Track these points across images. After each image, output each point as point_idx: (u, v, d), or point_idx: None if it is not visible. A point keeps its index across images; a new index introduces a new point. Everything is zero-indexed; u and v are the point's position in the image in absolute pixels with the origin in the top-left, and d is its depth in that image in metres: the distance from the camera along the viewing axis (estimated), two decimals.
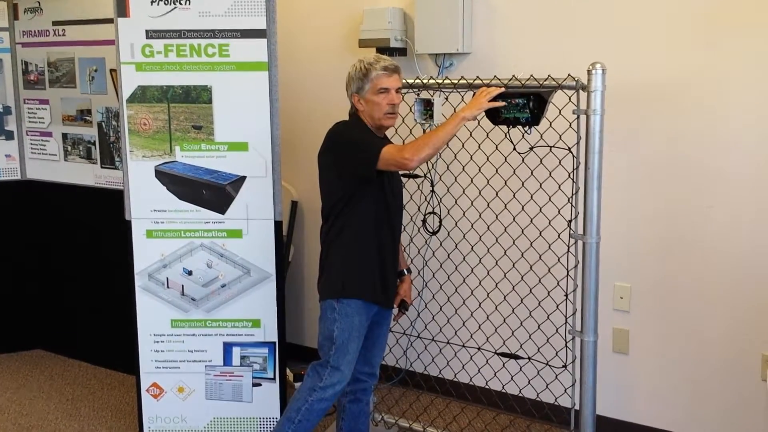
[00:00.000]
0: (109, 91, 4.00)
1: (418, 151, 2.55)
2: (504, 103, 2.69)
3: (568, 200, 2.85)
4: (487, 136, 3.11)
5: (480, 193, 3.29)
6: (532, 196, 3.16)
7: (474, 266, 3.46)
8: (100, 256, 4.17)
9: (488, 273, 3.36)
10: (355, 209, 2.73)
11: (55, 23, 4.15)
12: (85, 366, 4.34)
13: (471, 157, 3.29)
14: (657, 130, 3.14)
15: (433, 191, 3.34)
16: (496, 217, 3.24)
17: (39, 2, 4.18)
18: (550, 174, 3.02)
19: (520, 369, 3.30)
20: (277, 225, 3.22)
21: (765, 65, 2.89)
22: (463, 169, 3.34)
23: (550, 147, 2.89)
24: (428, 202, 3.42)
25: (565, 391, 3.01)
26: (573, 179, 2.81)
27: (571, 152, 2.80)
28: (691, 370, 3.18)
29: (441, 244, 3.52)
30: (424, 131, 3.22)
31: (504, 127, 2.87)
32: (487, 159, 3.19)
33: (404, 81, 3.08)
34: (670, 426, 3.25)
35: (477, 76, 2.91)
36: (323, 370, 2.77)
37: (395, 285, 2.94)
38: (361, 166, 2.64)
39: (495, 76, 2.84)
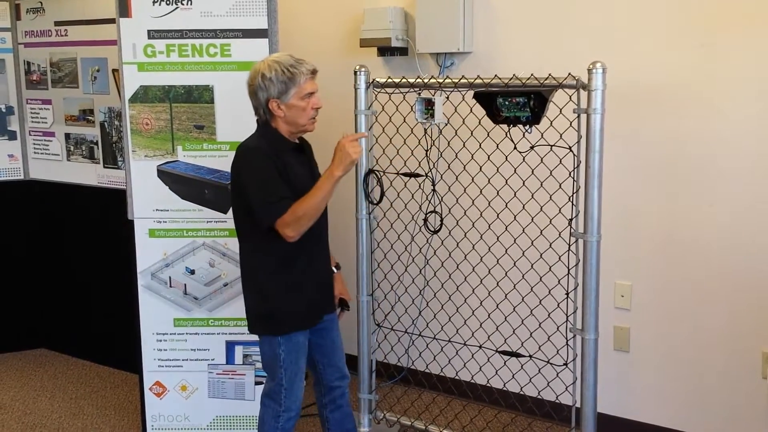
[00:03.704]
0: (111, 91, 4.02)
1: (299, 227, 2.49)
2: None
3: (569, 199, 2.86)
4: (488, 135, 3.11)
5: (481, 192, 3.30)
6: (533, 195, 3.17)
7: (475, 265, 3.47)
8: (103, 255, 4.18)
9: (489, 271, 3.37)
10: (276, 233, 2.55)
11: (57, 23, 4.16)
12: (89, 365, 4.36)
13: (472, 156, 3.29)
14: (658, 129, 3.15)
15: (434, 190, 3.35)
16: (497, 215, 3.25)
17: (41, 2, 4.19)
18: (551, 173, 3.02)
19: (522, 367, 3.31)
20: None
21: (764, 63, 2.90)
22: (464, 168, 3.35)
23: (551, 146, 2.89)
24: (429, 201, 3.43)
25: (566, 388, 3.01)
26: (573, 178, 2.81)
27: (572, 151, 2.80)
28: (691, 367, 3.19)
29: (442, 243, 3.53)
30: (425, 131, 3.24)
31: (505, 126, 2.88)
32: (488, 158, 3.20)
33: (405, 80, 3.10)
34: (671, 423, 3.26)
35: (478, 75, 2.92)
36: (278, 395, 2.69)
37: (332, 287, 2.85)
38: (259, 217, 2.52)
39: (496, 75, 2.85)
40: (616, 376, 3.34)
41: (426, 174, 3.34)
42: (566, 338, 3.00)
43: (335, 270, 2.92)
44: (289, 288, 2.64)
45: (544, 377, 3.26)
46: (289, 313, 2.65)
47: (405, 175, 3.32)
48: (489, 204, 3.27)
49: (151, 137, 3.21)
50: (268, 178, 2.51)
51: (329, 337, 2.85)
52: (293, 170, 2.59)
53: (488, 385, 3.52)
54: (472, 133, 3.23)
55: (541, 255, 3.23)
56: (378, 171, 3.18)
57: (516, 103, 2.73)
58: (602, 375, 2.88)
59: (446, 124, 3.20)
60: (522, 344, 3.34)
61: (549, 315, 3.19)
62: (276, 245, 2.58)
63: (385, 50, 3.70)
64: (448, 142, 3.37)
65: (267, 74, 2.54)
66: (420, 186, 3.46)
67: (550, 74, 2.72)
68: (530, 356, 3.21)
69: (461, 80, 2.96)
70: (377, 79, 3.19)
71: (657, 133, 3.15)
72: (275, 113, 2.58)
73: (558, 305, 3.09)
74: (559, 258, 3.01)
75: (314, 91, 2.60)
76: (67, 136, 4.25)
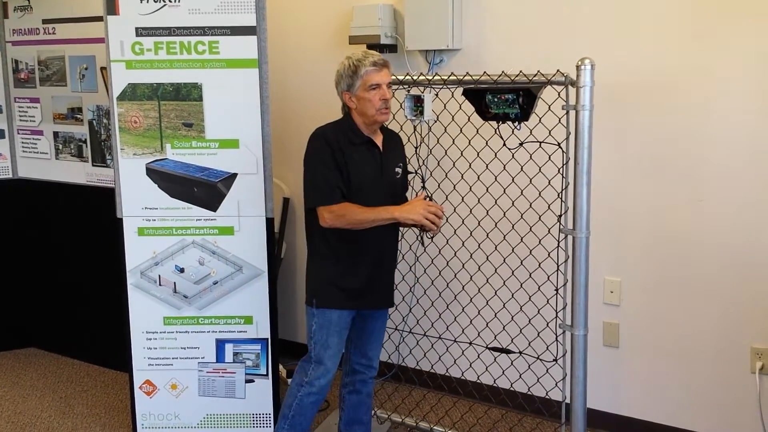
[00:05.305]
0: (99, 88, 4.00)
1: (336, 221, 2.65)
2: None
3: (558, 195, 2.87)
4: (477, 132, 3.12)
5: (470, 188, 3.30)
6: (522, 192, 3.18)
7: (465, 261, 3.47)
8: (92, 254, 4.17)
9: (479, 268, 3.37)
10: None
11: (45, 21, 4.14)
12: (78, 364, 4.35)
13: (461, 153, 3.30)
14: (646, 125, 3.16)
15: (423, 187, 3.35)
16: (487, 212, 3.26)
17: (29, 0, 4.17)
18: (540, 169, 3.03)
19: (512, 363, 3.32)
20: (269, 222, 3.22)
21: (752, 59, 2.91)
22: (454, 165, 3.35)
23: (540, 142, 2.90)
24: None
25: (556, 384, 3.03)
26: (563, 174, 2.82)
27: (561, 148, 2.81)
28: (681, 362, 3.20)
29: (432, 240, 3.53)
30: (414, 128, 3.24)
31: (494, 123, 2.88)
32: (477, 155, 3.20)
33: (395, 77, 3.09)
34: (661, 419, 3.28)
35: (467, 72, 2.92)
36: (307, 365, 2.85)
37: (388, 285, 2.93)
38: (306, 197, 2.74)
39: (485, 72, 2.85)
40: (605, 371, 3.35)
41: (415, 171, 3.34)
42: (556, 334, 3.01)
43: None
44: (335, 269, 2.79)
45: (534, 373, 3.27)
46: (327, 290, 2.79)
47: None
48: (479, 201, 3.27)
49: (140, 135, 3.20)
50: (323, 164, 2.68)
51: (371, 325, 2.97)
52: (354, 163, 2.71)
53: (479, 381, 3.52)
54: (461, 130, 3.23)
55: (530, 251, 3.24)
56: None
57: (505, 100, 2.74)
58: (592, 371, 2.90)
59: (435, 121, 3.20)
60: (512, 340, 3.35)
61: (539, 311, 3.20)
62: (337, 229, 2.69)
63: (375, 47, 3.69)
64: (438, 139, 3.38)
65: (339, 70, 2.74)
66: (410, 183, 3.46)
67: (539, 71, 2.73)
68: (520, 352, 3.22)
69: (450, 77, 2.96)
70: None
71: (647, 130, 3.16)
72: (349, 105, 2.75)
73: (547, 301, 3.10)
74: (548, 254, 3.02)
75: (380, 83, 2.70)
76: (56, 134, 4.23)
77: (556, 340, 2.99)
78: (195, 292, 3.27)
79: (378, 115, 2.72)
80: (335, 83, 2.78)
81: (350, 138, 2.73)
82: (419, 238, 3.10)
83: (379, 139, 2.82)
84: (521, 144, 2.93)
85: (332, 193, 2.67)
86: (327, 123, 2.80)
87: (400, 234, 3.48)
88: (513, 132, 2.85)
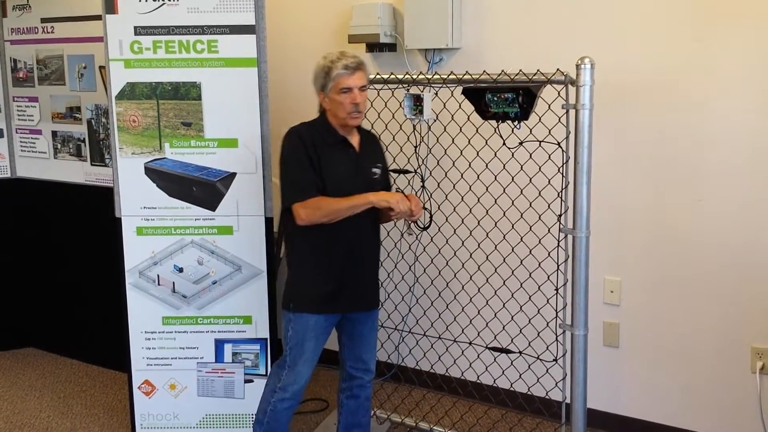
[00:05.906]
0: (98, 88, 3.99)
1: (313, 215, 2.61)
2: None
3: (558, 195, 2.86)
4: (477, 131, 3.11)
5: (470, 188, 3.30)
6: (522, 191, 3.17)
7: (465, 261, 3.46)
8: (90, 253, 4.16)
9: (479, 268, 3.36)
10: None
11: (43, 20, 4.13)
12: (77, 364, 4.34)
13: (461, 152, 3.29)
14: (646, 124, 3.15)
15: (423, 187, 3.34)
16: (487, 212, 3.25)
17: None
18: (540, 169, 3.02)
19: (512, 363, 3.31)
20: (268, 221, 3.22)
21: (752, 58, 2.90)
22: (453, 164, 3.35)
23: (540, 142, 2.89)
24: (419, 198, 3.42)
25: (556, 384, 3.02)
26: (562, 174, 2.81)
27: (561, 147, 2.80)
28: (681, 362, 3.19)
29: (432, 240, 3.53)
30: (414, 127, 3.23)
31: (493, 122, 2.87)
32: (477, 154, 3.19)
33: (394, 77, 3.08)
34: (661, 419, 3.27)
35: (466, 71, 2.91)
36: (281, 370, 2.81)
37: (369, 287, 2.89)
38: (282, 196, 2.70)
39: (484, 71, 2.85)
40: (606, 371, 3.35)
41: (415, 170, 3.34)
42: (556, 334, 3.00)
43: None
44: (312, 272, 2.76)
45: (534, 373, 3.26)
46: (304, 294, 2.76)
47: (394, 171, 3.31)
48: (478, 200, 3.26)
49: (139, 134, 3.19)
50: (297, 162, 2.66)
51: (359, 328, 2.91)
52: (328, 163, 2.67)
53: (478, 381, 3.52)
54: (461, 129, 3.23)
55: (530, 251, 3.23)
56: None
57: (505, 99, 2.73)
58: (592, 371, 2.88)
59: (435, 121, 3.20)
60: (512, 340, 3.34)
61: (539, 311, 3.19)
62: (312, 231, 2.67)
63: (374, 46, 3.69)
64: (437, 139, 3.37)
65: (315, 68, 2.71)
66: (409, 182, 3.45)
67: (538, 70, 2.72)
68: (520, 352, 3.21)
69: (450, 76, 2.95)
70: None
71: (646, 129, 3.15)
72: (323, 105, 2.73)
73: (548, 301, 3.09)
74: (549, 254, 3.01)
75: (352, 87, 2.65)
76: (54, 133, 4.23)
77: (556, 340, 2.98)
78: (194, 291, 3.26)
79: (349, 118, 2.67)
80: (312, 81, 2.73)
81: (324, 137, 2.70)
82: (408, 227, 3.04)
83: (355, 140, 2.78)
84: (521, 143, 2.92)
85: (307, 191, 2.63)
86: (302, 122, 2.77)
87: (399, 234, 3.47)
88: (513, 131, 2.85)
